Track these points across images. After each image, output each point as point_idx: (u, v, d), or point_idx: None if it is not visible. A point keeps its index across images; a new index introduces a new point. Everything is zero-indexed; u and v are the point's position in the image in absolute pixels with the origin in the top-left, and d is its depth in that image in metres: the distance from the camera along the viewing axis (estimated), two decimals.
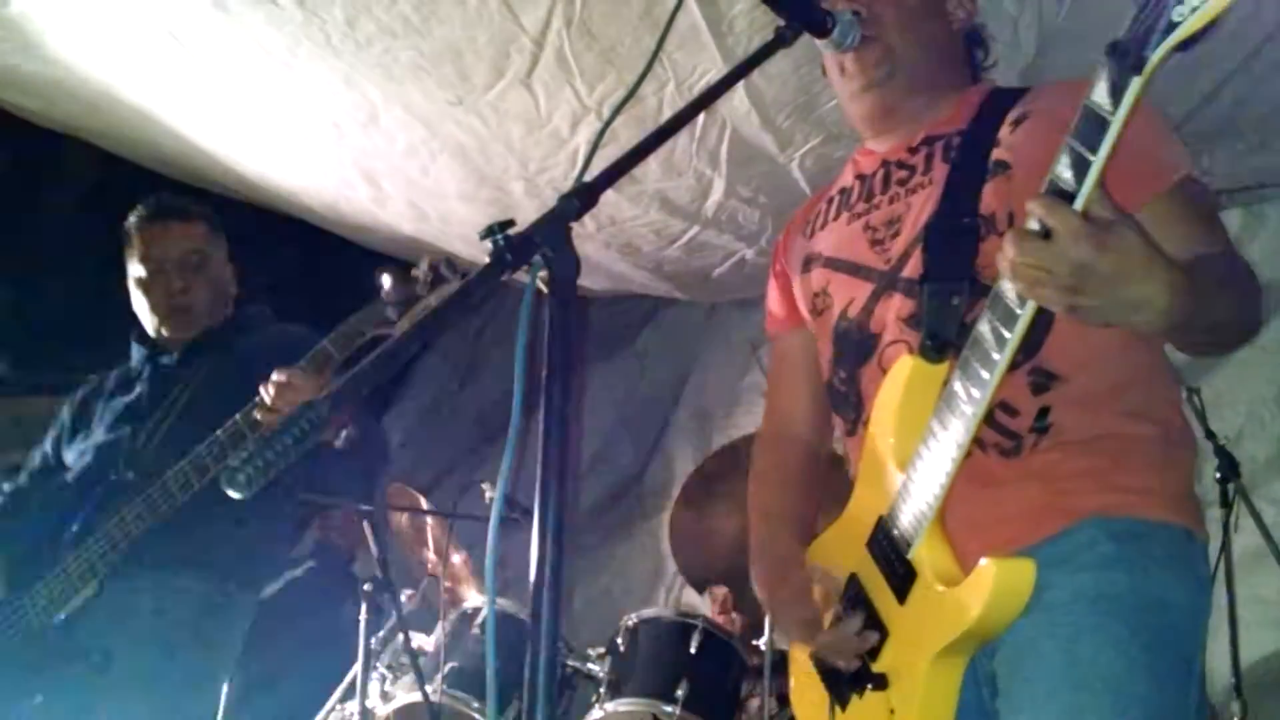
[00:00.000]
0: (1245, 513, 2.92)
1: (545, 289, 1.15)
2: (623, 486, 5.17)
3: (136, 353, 2.70)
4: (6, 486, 2.66)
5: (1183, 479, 1.58)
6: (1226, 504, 2.90)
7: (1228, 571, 2.80)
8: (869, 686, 1.60)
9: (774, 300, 1.94)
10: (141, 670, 2.30)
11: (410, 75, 3.05)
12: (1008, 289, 1.30)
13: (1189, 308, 1.26)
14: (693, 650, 2.95)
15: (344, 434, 2.26)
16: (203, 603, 2.41)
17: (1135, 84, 1.14)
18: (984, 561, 1.42)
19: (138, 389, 2.59)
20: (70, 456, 2.59)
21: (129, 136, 3.65)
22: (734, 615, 4.01)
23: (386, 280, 2.18)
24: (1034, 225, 1.23)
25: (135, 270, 2.63)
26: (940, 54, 1.74)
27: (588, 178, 1.25)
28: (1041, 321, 1.38)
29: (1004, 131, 1.62)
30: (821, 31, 1.60)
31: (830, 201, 1.83)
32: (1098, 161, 1.18)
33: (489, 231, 1.10)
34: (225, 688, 2.55)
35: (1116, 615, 1.44)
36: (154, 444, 2.46)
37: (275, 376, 2.14)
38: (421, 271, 2.19)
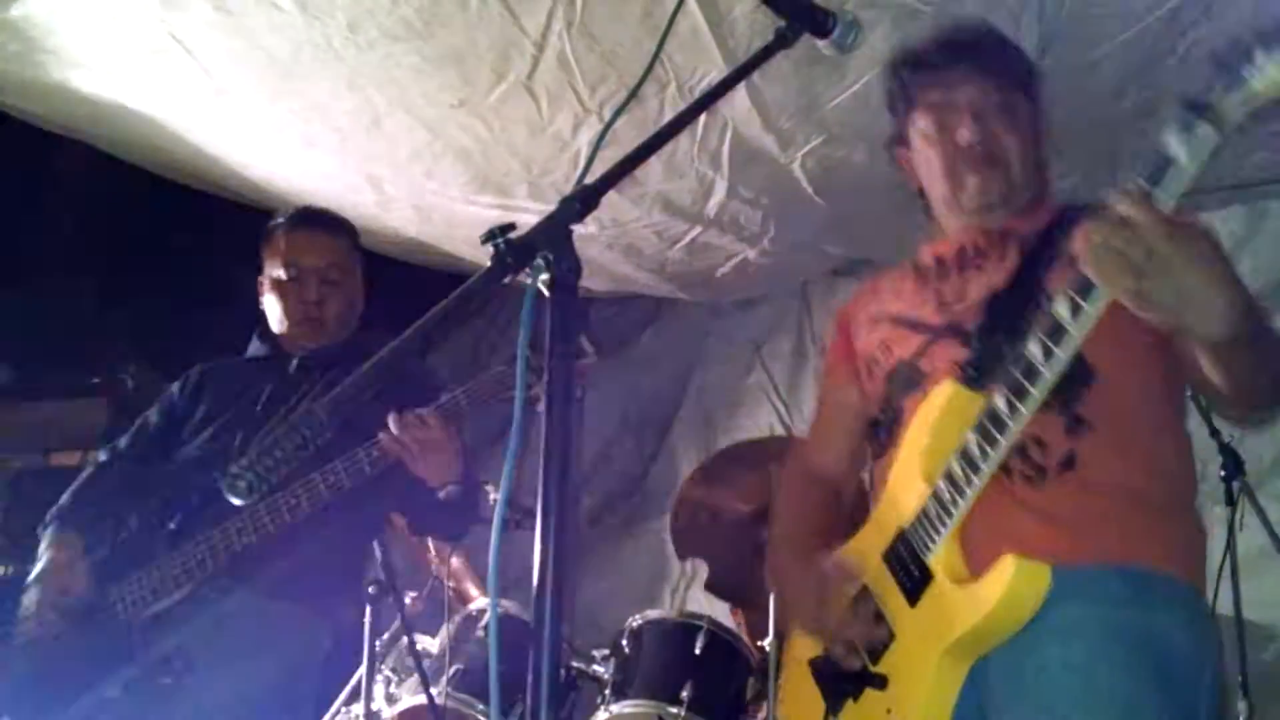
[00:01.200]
0: (1250, 511, 2.91)
1: (547, 291, 1.15)
2: (626, 487, 5.17)
3: (256, 347, 2.69)
4: (103, 455, 2.61)
5: (1194, 542, 1.68)
6: (1231, 502, 2.90)
7: (1233, 570, 2.80)
8: (867, 688, 1.64)
9: (833, 352, 2.03)
10: (223, 684, 2.25)
11: (413, 79, 3.06)
12: (1061, 308, 1.38)
13: (1242, 324, 1.33)
14: (697, 651, 2.95)
15: (449, 489, 2.28)
16: (289, 627, 2.39)
17: (1209, 136, 1.24)
18: (1004, 557, 1.48)
19: (254, 391, 2.56)
20: (178, 439, 2.55)
21: (132, 141, 3.66)
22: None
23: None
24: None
25: (275, 272, 2.63)
26: (1038, 176, 1.85)
27: (589, 180, 1.25)
28: (1082, 374, 1.52)
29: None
30: (823, 32, 1.60)
31: (904, 274, 1.94)
32: (1163, 195, 1.27)
33: (490, 235, 1.10)
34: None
35: (1130, 647, 1.50)
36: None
37: (416, 411, 2.18)
38: None
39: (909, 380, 1.76)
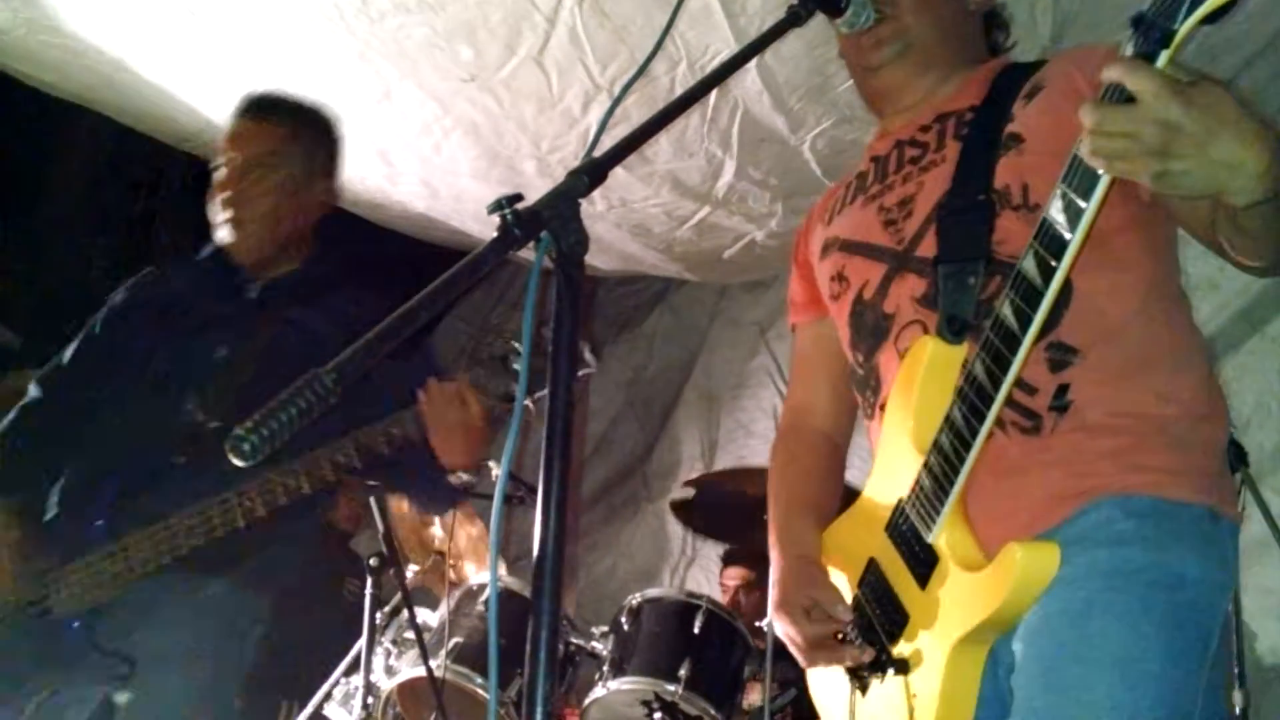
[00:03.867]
0: (1251, 502, 2.91)
1: (553, 265, 1.15)
2: (629, 467, 5.18)
3: (211, 259, 2.30)
4: (34, 390, 2.29)
5: (1209, 457, 1.53)
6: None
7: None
8: (891, 671, 1.59)
9: (796, 290, 1.92)
10: (165, 680, 2.08)
11: (423, 52, 3.05)
12: (1030, 267, 1.27)
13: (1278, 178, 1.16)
14: (696, 631, 2.96)
15: (463, 476, 2.09)
16: (231, 610, 2.19)
17: (1162, 58, 1.11)
18: (1009, 545, 1.40)
19: (210, 329, 2.22)
20: (116, 373, 2.23)
21: (143, 110, 3.66)
22: (742, 600, 4.03)
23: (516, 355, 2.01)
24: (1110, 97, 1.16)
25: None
26: (956, 34, 1.73)
27: (597, 155, 1.25)
28: (1061, 296, 1.32)
29: (1017, 105, 1.59)
30: (835, 11, 1.60)
31: (848, 187, 1.82)
32: (1161, 60, 1.12)
33: (497, 205, 1.09)
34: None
35: (1129, 590, 1.41)
36: (214, 424, 2.14)
37: (453, 382, 1.96)
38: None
39: (876, 328, 1.65)
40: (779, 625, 1.71)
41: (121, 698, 2.08)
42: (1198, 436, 1.52)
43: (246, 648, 2.23)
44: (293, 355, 2.05)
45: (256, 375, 2.16)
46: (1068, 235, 1.22)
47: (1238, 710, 2.79)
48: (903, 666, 1.57)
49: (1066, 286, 1.35)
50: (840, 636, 1.63)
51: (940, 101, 1.70)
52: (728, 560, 4.22)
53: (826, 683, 1.77)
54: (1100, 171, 1.18)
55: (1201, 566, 1.44)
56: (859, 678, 1.67)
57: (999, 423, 1.45)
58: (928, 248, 1.59)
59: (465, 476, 2.07)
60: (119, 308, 2.33)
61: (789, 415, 1.95)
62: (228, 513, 2.03)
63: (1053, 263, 1.24)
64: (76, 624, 2.07)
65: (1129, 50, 1.13)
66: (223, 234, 2.24)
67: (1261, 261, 1.36)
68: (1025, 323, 1.30)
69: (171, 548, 2.05)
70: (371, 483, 2.41)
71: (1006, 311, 1.32)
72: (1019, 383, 1.43)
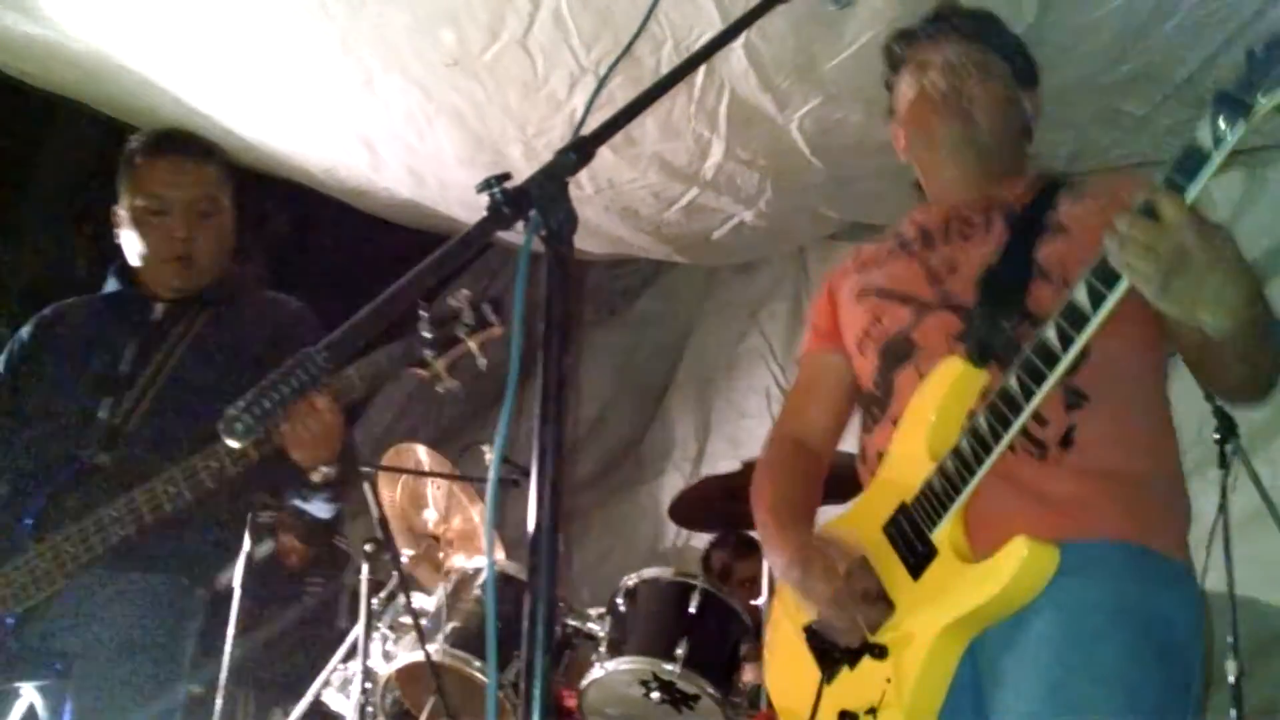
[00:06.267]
0: (1243, 474, 2.92)
1: (543, 245, 1.14)
2: (623, 450, 5.19)
3: (113, 286, 2.43)
4: None
5: (1184, 524, 1.72)
6: (1224, 464, 2.91)
7: (1225, 532, 2.81)
8: (866, 656, 1.66)
9: (820, 318, 2.01)
10: (103, 673, 2.13)
11: (406, 39, 3.03)
12: (1081, 295, 1.41)
13: (1254, 319, 1.41)
14: (692, 610, 2.96)
15: (324, 470, 2.12)
16: (163, 600, 2.24)
17: (1240, 128, 1.26)
18: (1017, 539, 1.51)
19: (118, 348, 2.33)
20: (28, 393, 2.33)
21: (126, 101, 3.63)
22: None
23: (424, 317, 2.09)
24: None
25: (134, 202, 2.34)
26: (1012, 139, 1.88)
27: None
28: (1080, 353, 1.50)
29: (1064, 203, 1.76)
30: None
31: (888, 247, 1.93)
32: (1193, 189, 1.32)
33: (486, 184, 1.10)
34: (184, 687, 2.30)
35: (1131, 627, 1.55)
36: (133, 423, 2.25)
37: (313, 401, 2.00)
38: (462, 307, 2.10)
39: (901, 353, 1.77)
40: (814, 583, 1.74)
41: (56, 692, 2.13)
42: (1175, 498, 1.72)
43: (185, 639, 2.28)
44: (193, 363, 2.30)
45: (166, 383, 2.29)
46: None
47: (1231, 679, 2.82)
48: (881, 652, 1.65)
49: (1085, 347, 1.51)
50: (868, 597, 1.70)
51: (990, 192, 1.83)
52: (715, 544, 4.23)
53: (786, 675, 1.82)
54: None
55: (1186, 613, 1.62)
56: (829, 668, 1.74)
57: (1009, 445, 1.58)
58: (966, 296, 1.73)
59: (325, 470, 2.13)
60: (28, 337, 2.44)
61: (787, 424, 2.03)
62: (153, 499, 2.09)
63: (1104, 290, 1.40)
64: (11, 620, 2.12)
65: (1209, 121, 1.28)
66: (169, 270, 2.36)
67: (1224, 393, 1.68)
68: (1067, 343, 1.45)
69: (103, 538, 2.10)
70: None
71: (1050, 334, 1.46)
72: (1035, 414, 1.58)
